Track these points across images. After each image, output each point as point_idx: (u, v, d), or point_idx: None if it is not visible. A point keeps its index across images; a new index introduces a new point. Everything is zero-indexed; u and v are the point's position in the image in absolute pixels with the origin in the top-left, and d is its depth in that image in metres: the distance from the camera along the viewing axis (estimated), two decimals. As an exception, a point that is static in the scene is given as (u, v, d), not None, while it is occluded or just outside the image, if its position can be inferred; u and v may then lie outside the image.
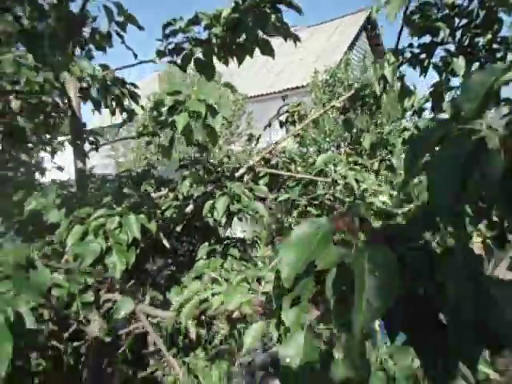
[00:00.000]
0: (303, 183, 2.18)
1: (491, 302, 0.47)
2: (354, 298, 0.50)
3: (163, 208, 2.27)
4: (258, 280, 0.83)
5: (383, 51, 10.59)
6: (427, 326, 0.55)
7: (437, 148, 0.57)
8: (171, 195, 2.35)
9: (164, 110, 1.32)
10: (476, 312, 0.47)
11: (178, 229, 2.40)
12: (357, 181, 1.62)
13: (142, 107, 2.58)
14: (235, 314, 0.77)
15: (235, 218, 1.89)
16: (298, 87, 10.24)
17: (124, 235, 1.39)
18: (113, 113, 2.54)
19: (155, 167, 2.97)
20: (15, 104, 1.40)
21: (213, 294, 0.79)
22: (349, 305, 0.53)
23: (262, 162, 1.95)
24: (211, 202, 1.63)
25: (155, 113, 1.42)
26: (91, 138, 1.83)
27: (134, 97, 2.54)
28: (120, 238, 1.38)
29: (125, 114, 2.54)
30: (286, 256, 0.55)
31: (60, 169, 2.08)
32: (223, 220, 1.60)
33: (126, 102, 2.61)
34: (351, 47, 11.06)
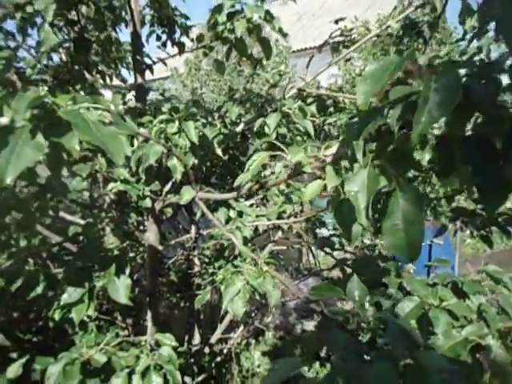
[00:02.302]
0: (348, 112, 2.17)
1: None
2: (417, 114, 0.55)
3: (212, 135, 2.37)
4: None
5: None
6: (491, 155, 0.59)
7: None
8: (219, 124, 2.43)
9: (222, 17, 1.36)
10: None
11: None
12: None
13: (193, 40, 2.62)
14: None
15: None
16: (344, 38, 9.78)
17: (183, 140, 1.49)
18: (163, 44, 2.60)
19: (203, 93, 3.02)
20: (86, 11, 1.49)
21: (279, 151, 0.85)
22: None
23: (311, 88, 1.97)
24: (263, 118, 1.69)
25: (212, 22, 1.46)
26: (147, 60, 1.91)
27: (186, 29, 2.58)
28: (180, 141, 1.48)
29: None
30: (361, 87, 0.60)
31: (123, 81, 2.21)
32: (273, 136, 1.65)
33: (177, 35, 2.65)
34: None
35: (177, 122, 1.48)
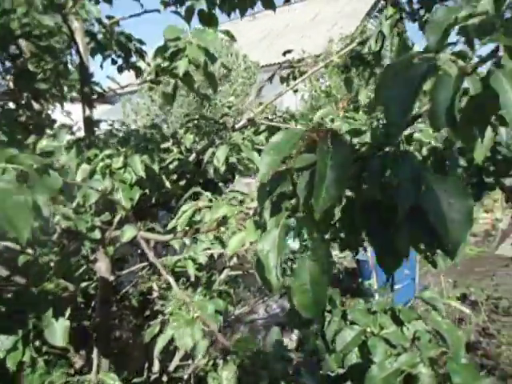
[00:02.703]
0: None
1: (429, 190, 0.56)
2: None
3: (168, 161, 2.37)
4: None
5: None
6: (383, 222, 0.64)
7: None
8: (175, 150, 2.44)
9: (166, 55, 1.38)
10: (417, 198, 0.56)
11: (182, 183, 2.51)
12: (350, 133, 1.68)
13: (149, 64, 2.62)
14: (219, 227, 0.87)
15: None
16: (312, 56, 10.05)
17: (128, 174, 1.49)
18: (119, 69, 2.60)
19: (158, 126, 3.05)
20: (26, 47, 1.47)
21: (203, 208, 0.88)
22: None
23: (263, 117, 2.02)
24: (212, 149, 1.72)
25: (157, 60, 1.48)
26: (97, 89, 1.90)
27: (141, 53, 2.58)
28: (125, 176, 1.48)
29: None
30: (264, 158, 0.64)
31: (68, 114, 2.18)
32: (223, 168, 1.68)
33: (133, 59, 2.65)
34: (369, 14, 10.74)
35: (122, 157, 1.48)
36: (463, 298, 4.89)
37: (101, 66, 2.46)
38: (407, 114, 0.55)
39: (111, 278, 2.01)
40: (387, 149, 0.64)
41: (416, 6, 1.67)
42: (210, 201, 0.87)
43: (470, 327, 4.16)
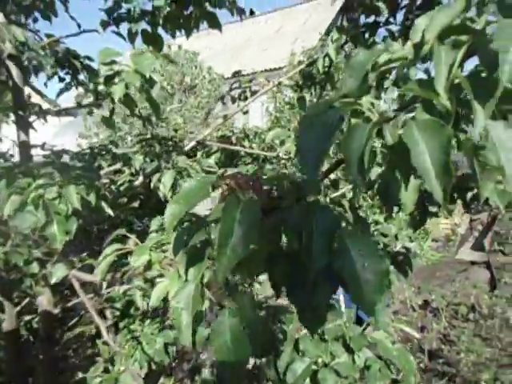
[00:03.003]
0: (260, 159, 2.21)
1: (343, 249, 0.52)
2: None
3: (119, 183, 2.27)
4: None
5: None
6: (300, 279, 0.60)
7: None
8: (127, 171, 2.35)
9: (100, 79, 1.31)
10: (330, 258, 0.52)
11: (136, 204, 2.41)
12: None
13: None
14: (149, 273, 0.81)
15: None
16: (275, 69, 10.18)
17: (64, 206, 1.39)
18: (67, 87, 2.49)
19: (115, 143, 2.94)
20: None
21: (128, 253, 0.82)
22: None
23: (215, 137, 1.97)
24: (158, 175, 1.65)
25: (92, 85, 1.41)
26: (36, 109, 1.79)
27: (90, 70, 2.48)
28: (60, 208, 1.38)
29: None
30: (171, 207, 0.58)
31: (0, 140, 2.05)
32: (169, 194, 1.62)
33: (82, 77, 2.55)
34: (330, 29, 11.03)
35: (55, 187, 1.38)
36: (425, 305, 5.00)
37: (45, 85, 2.35)
38: (320, 165, 0.52)
39: (55, 311, 1.88)
40: (309, 198, 0.61)
41: (361, 29, 1.69)
42: (137, 244, 0.81)
43: (432, 335, 4.25)
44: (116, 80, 1.35)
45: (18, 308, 2.01)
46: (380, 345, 1.37)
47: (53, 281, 1.14)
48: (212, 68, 10.09)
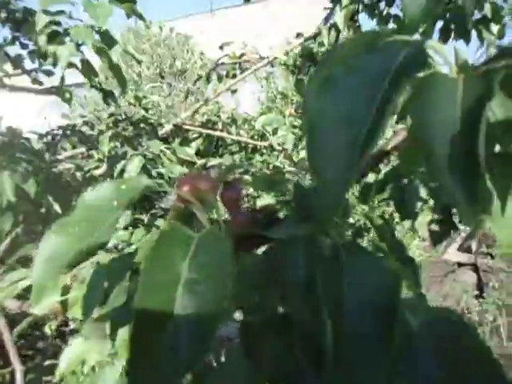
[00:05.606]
0: (250, 148, 1.93)
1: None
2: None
3: (86, 169, 1.97)
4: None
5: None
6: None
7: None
8: (96, 156, 2.05)
9: (43, 36, 1.00)
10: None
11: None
12: (296, 146, 1.38)
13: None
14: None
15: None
16: (269, 57, 9.85)
17: (-5, 197, 1.09)
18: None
19: (90, 123, 2.62)
20: None
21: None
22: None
23: (201, 122, 1.68)
24: (123, 162, 1.36)
25: (40, 41, 1.09)
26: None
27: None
28: (-12, 199, 1.08)
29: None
30: (48, 244, 0.30)
31: None
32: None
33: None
34: (328, 18, 10.69)
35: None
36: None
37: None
38: (354, 165, 0.24)
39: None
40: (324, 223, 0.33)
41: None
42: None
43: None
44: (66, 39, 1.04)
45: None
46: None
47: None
48: (204, 53, 9.70)
